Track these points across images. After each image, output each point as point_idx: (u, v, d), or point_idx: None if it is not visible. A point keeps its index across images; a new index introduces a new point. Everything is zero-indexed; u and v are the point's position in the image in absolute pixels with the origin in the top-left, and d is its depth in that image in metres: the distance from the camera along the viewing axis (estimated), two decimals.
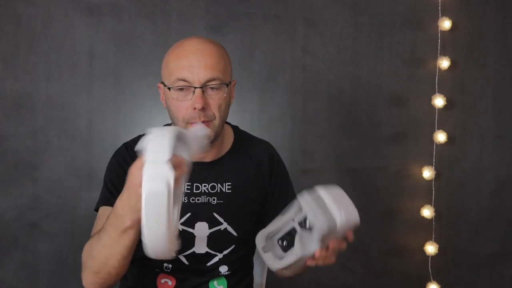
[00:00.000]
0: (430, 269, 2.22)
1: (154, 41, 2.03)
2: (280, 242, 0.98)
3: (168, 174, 0.76)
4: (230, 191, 1.19)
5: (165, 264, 1.18)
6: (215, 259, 1.19)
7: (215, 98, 1.10)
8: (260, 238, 1.00)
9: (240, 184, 1.21)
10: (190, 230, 1.16)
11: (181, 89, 1.09)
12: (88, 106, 2.03)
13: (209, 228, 1.17)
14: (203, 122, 1.09)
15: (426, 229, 2.23)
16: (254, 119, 2.12)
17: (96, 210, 1.17)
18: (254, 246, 1.31)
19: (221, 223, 1.17)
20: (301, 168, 2.16)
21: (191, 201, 1.17)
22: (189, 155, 0.89)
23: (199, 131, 1.03)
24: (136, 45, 2.03)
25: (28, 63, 1.98)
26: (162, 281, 1.19)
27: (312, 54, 2.14)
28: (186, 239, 1.16)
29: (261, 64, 2.12)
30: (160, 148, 0.78)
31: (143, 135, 1.25)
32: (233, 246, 1.19)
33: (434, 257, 2.21)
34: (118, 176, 1.15)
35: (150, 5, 2.04)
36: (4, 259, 2.01)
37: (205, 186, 1.18)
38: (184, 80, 1.08)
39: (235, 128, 1.30)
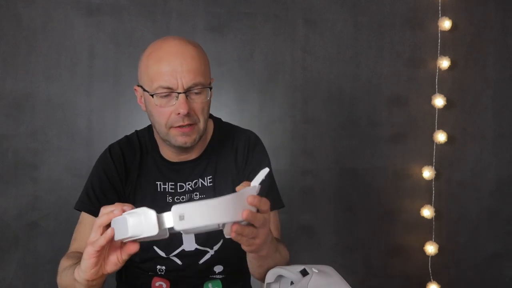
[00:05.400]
0: (430, 269, 2.22)
1: (154, 42, 2.03)
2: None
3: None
4: (211, 184, 1.18)
5: (158, 267, 1.18)
6: (207, 256, 1.18)
7: (198, 102, 1.09)
8: (271, 274, 1.00)
9: (221, 176, 1.19)
10: None
11: (164, 96, 1.07)
12: (88, 106, 2.03)
13: None
14: (187, 125, 1.08)
15: (426, 229, 2.23)
16: (254, 119, 2.12)
17: (76, 208, 1.18)
18: None
19: None
20: (301, 168, 2.16)
21: (175, 200, 1.17)
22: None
23: None
24: (136, 45, 2.03)
25: (28, 63, 1.98)
26: (157, 284, 1.19)
27: (312, 54, 2.14)
28: (173, 238, 1.15)
29: (261, 64, 2.12)
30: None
31: (130, 134, 1.26)
32: (221, 241, 1.18)
33: (434, 257, 2.21)
34: (100, 183, 1.16)
35: (150, 5, 2.04)
36: (4, 259, 2.01)
37: (188, 184, 1.18)
38: (167, 88, 1.06)
39: (217, 121, 1.28)
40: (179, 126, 1.09)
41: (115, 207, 0.82)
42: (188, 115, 1.07)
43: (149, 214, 0.77)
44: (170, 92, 1.06)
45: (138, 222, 0.77)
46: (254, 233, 0.84)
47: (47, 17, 1.99)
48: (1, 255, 2.00)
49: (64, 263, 1.04)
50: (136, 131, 1.26)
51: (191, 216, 0.74)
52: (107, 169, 1.18)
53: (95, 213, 1.13)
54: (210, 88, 1.11)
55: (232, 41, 2.09)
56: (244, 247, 0.88)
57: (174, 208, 0.75)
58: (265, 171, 0.85)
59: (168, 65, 1.06)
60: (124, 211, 0.81)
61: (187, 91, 1.07)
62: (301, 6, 2.13)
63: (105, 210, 0.84)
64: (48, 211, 2.02)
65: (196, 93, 1.08)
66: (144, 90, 1.11)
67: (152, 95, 1.08)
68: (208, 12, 2.07)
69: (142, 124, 1.29)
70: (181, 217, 0.74)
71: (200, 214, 0.74)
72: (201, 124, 1.11)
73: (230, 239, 1.05)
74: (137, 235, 0.78)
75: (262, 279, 1.09)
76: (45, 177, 2.01)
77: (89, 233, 1.11)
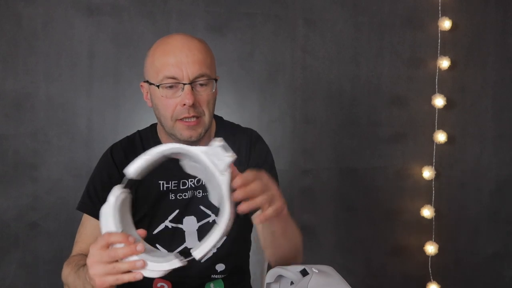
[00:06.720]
0: (430, 269, 2.22)
1: (154, 41, 2.02)
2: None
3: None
4: None
5: None
6: (209, 254, 1.18)
7: (204, 94, 1.10)
8: (271, 274, 1.02)
9: None
10: (179, 225, 1.17)
11: (170, 87, 1.08)
12: (88, 106, 2.03)
13: (198, 221, 1.17)
14: (193, 118, 1.09)
15: (426, 229, 2.23)
16: (254, 119, 2.12)
17: (78, 208, 1.18)
18: (246, 241, 1.30)
19: (209, 215, 1.17)
20: (301, 168, 2.16)
21: (178, 197, 1.17)
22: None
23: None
24: (136, 45, 2.03)
25: (28, 63, 1.98)
26: (159, 285, 1.19)
27: (312, 54, 2.14)
28: (176, 235, 1.16)
29: (261, 64, 2.12)
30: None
31: (132, 134, 1.25)
32: (225, 237, 1.18)
33: (434, 257, 2.21)
34: (101, 184, 1.16)
35: (150, 5, 2.04)
36: (4, 259, 2.01)
37: (191, 181, 1.18)
38: (172, 78, 1.07)
39: (219, 119, 1.28)
40: (185, 119, 1.09)
41: (124, 254, 0.84)
42: (193, 106, 1.08)
43: (173, 262, 0.87)
44: (175, 82, 1.07)
45: (160, 265, 0.87)
46: (261, 186, 0.85)
47: (47, 17, 1.98)
48: (1, 255, 2.00)
49: (66, 271, 1.05)
50: (138, 131, 1.26)
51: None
52: (109, 170, 1.18)
53: (97, 215, 1.13)
54: (216, 80, 1.12)
55: (232, 41, 2.09)
56: (267, 213, 0.86)
57: (196, 253, 0.86)
58: (216, 143, 0.85)
59: (174, 57, 1.07)
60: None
61: (192, 82, 1.07)
62: (301, 6, 2.13)
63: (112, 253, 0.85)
64: (48, 211, 2.02)
65: (201, 85, 1.09)
66: (150, 83, 1.12)
67: (158, 86, 1.09)
68: (208, 12, 2.07)
69: (142, 124, 1.29)
70: None
71: (213, 245, 0.87)
72: (206, 118, 1.12)
73: (232, 235, 1.07)
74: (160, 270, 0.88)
75: (279, 262, 1.09)
76: (45, 177, 2.01)
77: (90, 234, 1.11)
